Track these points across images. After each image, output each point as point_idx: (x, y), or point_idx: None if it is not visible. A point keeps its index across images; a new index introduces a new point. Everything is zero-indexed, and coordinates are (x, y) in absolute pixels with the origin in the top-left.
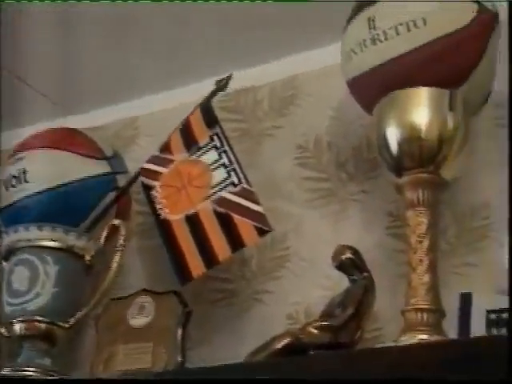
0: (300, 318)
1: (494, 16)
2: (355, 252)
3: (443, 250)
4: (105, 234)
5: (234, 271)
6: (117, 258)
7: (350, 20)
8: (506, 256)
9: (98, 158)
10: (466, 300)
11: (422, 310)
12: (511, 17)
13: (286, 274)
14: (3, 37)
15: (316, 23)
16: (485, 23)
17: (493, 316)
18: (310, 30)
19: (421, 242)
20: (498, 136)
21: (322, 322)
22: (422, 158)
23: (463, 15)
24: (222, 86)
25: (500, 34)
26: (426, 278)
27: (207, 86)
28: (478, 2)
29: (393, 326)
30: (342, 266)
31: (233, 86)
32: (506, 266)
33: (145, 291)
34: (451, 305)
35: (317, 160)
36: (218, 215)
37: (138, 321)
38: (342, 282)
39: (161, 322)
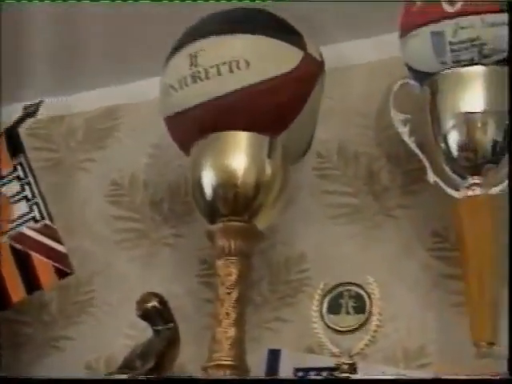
0: (100, 367)
1: (319, 65)
2: (161, 300)
3: (256, 303)
4: None
5: (32, 314)
6: None
7: (171, 54)
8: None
9: None
10: (274, 357)
11: (224, 367)
12: (511, 17)
13: (88, 319)
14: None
15: (141, 54)
16: (309, 71)
17: (300, 374)
18: (135, 61)
19: (229, 293)
20: (319, 186)
21: (120, 373)
22: (237, 205)
23: (288, 61)
24: (30, 112)
25: (323, 84)
26: (232, 332)
27: None
28: (305, 50)
29: None
30: (146, 315)
31: (45, 112)
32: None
33: None
34: (259, 361)
35: (131, 198)
36: (16, 252)
37: None
38: (148, 331)
39: None
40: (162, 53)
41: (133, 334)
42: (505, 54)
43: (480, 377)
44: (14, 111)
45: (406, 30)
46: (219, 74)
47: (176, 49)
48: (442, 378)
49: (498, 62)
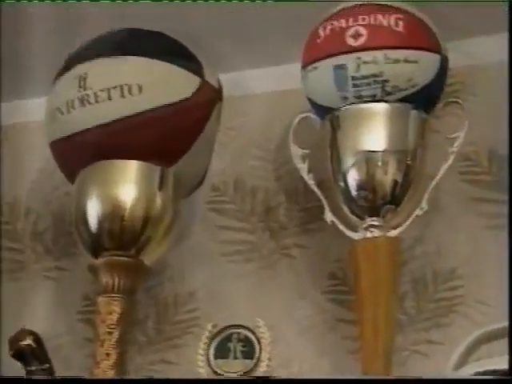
0: None
1: (217, 93)
2: (37, 338)
3: (140, 344)
4: None
5: None
6: None
7: (59, 75)
8: None
9: None
10: None
11: None
12: (511, 17)
13: None
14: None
15: (28, 74)
16: (205, 99)
17: None
18: (24, 79)
19: (110, 333)
20: (213, 221)
21: None
22: (123, 238)
23: (183, 88)
24: None
25: (221, 113)
26: (111, 375)
27: None
28: (202, 77)
29: None
30: (19, 355)
31: None
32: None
33: None
34: None
35: (11, 227)
36: None
37: None
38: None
39: None
40: None
41: None
42: (408, 92)
43: (480, 377)
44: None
45: (308, 62)
46: (109, 98)
47: (64, 69)
48: (442, 378)
49: (401, 100)
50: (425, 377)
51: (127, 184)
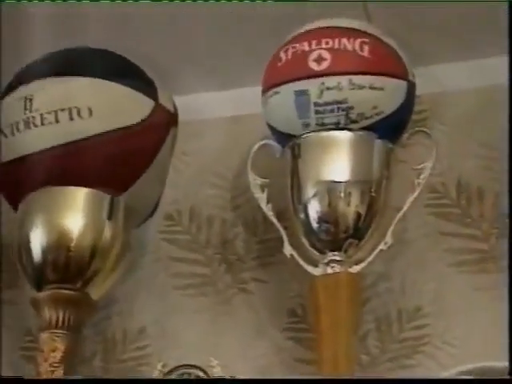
0: None
1: (172, 117)
2: None
3: None
4: None
5: None
6: None
7: (3, 95)
8: None
9: None
10: None
11: None
12: (511, 17)
13: None
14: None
15: None
16: (159, 123)
17: None
18: None
19: (53, 371)
20: (166, 252)
21: None
22: (69, 270)
23: (136, 111)
24: None
25: (176, 138)
26: None
27: None
28: (156, 100)
29: None
30: None
31: None
32: None
33: None
34: None
35: None
36: None
37: None
38: None
39: None
40: None
41: None
42: (373, 120)
43: (480, 377)
44: None
45: (268, 87)
46: (57, 121)
47: (9, 89)
48: (441, 378)
49: (365, 128)
50: (424, 377)
51: (74, 212)
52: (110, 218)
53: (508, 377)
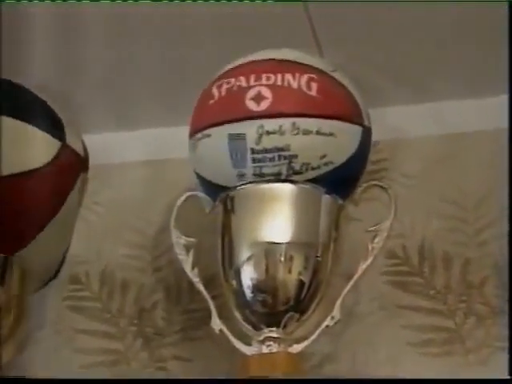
0: None
1: (81, 160)
2: None
3: None
4: None
5: None
6: None
7: None
8: None
9: None
10: None
11: None
12: (511, 16)
13: None
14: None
15: None
16: (66, 168)
17: None
18: None
19: None
20: (71, 322)
21: None
22: None
23: (38, 153)
24: None
25: (86, 185)
26: None
27: None
28: (63, 140)
29: None
30: None
31: None
32: None
33: None
34: None
35: None
36: None
37: None
38: None
39: None
40: None
41: None
42: (320, 172)
43: (480, 377)
44: None
45: (197, 129)
46: None
47: None
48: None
49: (311, 181)
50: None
51: None
52: (1, 282)
53: (508, 377)
